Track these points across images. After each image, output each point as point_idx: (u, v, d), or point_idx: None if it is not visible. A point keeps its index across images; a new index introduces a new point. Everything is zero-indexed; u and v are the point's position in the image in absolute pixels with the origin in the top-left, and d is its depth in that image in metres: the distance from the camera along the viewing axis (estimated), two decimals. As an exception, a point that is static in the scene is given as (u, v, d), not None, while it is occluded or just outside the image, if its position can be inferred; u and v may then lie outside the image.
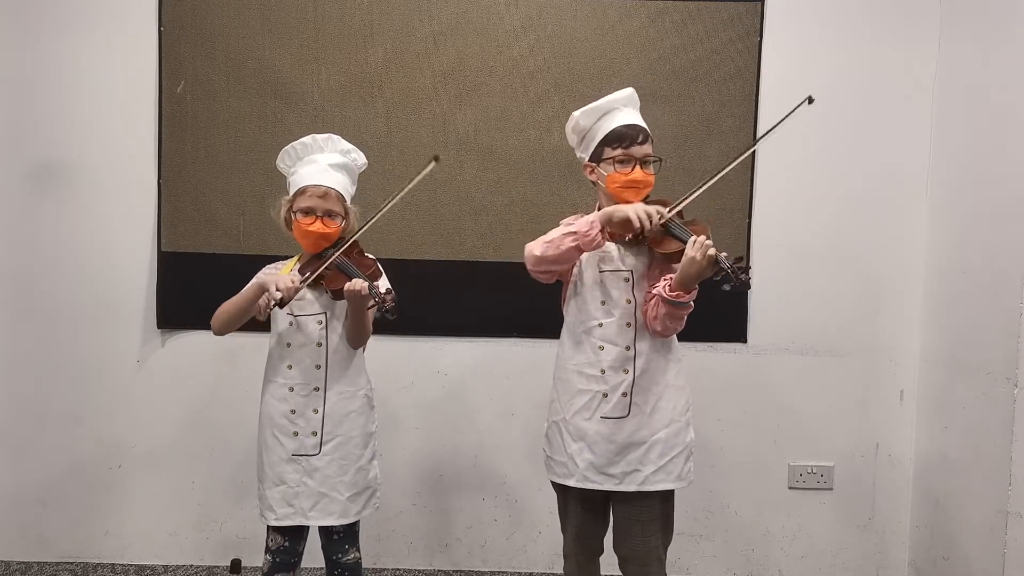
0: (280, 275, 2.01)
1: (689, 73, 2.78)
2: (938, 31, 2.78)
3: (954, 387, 2.61)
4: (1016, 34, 2.38)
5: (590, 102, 2.02)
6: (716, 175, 1.96)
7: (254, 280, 2.11)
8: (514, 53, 2.78)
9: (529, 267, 1.98)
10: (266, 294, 1.94)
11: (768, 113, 2.79)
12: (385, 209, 2.05)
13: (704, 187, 1.95)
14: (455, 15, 2.78)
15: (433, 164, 2.02)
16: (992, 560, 2.38)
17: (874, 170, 2.81)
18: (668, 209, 1.90)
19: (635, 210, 1.85)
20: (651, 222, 1.84)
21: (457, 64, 2.79)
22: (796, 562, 2.91)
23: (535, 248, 1.95)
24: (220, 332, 2.15)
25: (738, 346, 2.86)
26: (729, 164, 1.96)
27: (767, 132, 2.01)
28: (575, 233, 1.89)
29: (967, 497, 2.53)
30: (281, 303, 1.93)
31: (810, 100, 1.96)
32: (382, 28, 2.78)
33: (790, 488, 2.89)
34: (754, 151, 1.98)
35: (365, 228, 2.06)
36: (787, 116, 1.96)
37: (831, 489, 2.89)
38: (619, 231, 1.91)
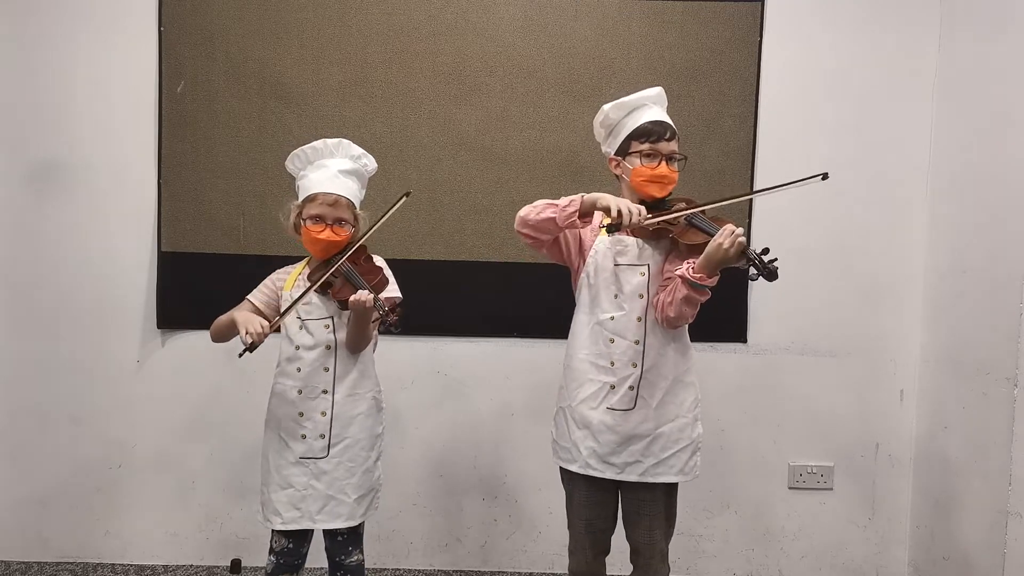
0: (252, 319, 1.99)
1: (689, 73, 2.78)
2: (938, 31, 2.78)
3: (954, 387, 2.61)
4: (1016, 34, 2.38)
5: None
6: (759, 192, 1.95)
7: (238, 314, 2.07)
8: (514, 53, 2.78)
9: (515, 227, 2.01)
10: (242, 335, 1.97)
11: (768, 113, 2.79)
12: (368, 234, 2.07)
13: (737, 199, 1.99)
14: (455, 15, 2.78)
15: (404, 199, 2.04)
16: (992, 560, 2.38)
17: (874, 170, 2.81)
18: (694, 208, 1.96)
19: (618, 202, 1.87)
20: (631, 218, 1.85)
21: (457, 64, 2.78)
22: (796, 562, 2.91)
23: (522, 210, 1.99)
24: (215, 341, 2.18)
25: (738, 346, 2.86)
26: (781, 185, 1.96)
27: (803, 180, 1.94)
28: (556, 205, 1.93)
29: (967, 497, 2.53)
30: (251, 347, 1.95)
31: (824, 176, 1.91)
32: (382, 28, 2.78)
33: (790, 488, 2.89)
34: (814, 177, 1.92)
35: (350, 251, 2.05)
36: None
37: (831, 489, 2.89)
38: (604, 215, 1.93)
